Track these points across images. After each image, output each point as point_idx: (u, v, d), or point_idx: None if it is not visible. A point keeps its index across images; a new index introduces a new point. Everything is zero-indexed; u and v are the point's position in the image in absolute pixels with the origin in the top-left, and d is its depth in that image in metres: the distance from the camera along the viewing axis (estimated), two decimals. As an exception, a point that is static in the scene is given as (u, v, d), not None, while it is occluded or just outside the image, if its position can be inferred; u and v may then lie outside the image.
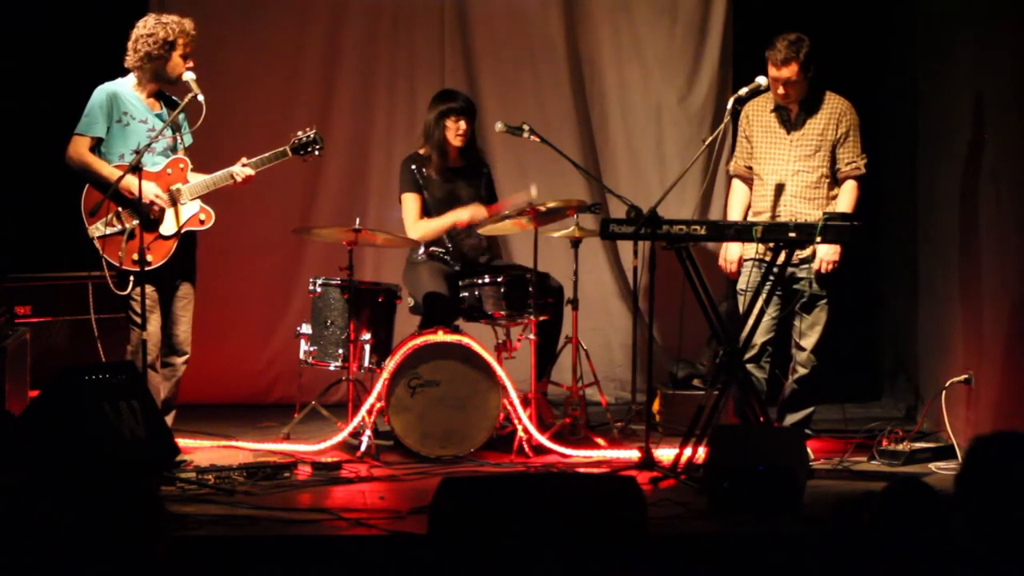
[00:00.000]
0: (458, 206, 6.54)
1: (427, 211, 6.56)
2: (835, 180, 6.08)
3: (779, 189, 6.06)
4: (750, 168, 6.18)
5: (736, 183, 6.27)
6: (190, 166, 5.99)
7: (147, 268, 5.81)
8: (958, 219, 6.25)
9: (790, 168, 6.05)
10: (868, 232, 5.70)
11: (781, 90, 5.98)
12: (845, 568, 4.16)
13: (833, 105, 6.08)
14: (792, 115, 6.08)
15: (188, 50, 5.89)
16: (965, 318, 6.17)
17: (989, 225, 5.90)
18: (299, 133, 6.18)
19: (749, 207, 6.20)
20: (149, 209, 5.82)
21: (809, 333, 6.06)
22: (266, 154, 6.07)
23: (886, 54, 7.70)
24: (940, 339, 6.62)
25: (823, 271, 5.97)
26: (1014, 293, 5.55)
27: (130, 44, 5.90)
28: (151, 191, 5.82)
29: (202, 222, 6.00)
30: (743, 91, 5.99)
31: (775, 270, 5.78)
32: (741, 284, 6.11)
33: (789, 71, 5.93)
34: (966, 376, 6.04)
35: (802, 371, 6.09)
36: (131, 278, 5.80)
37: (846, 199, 6.04)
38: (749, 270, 6.06)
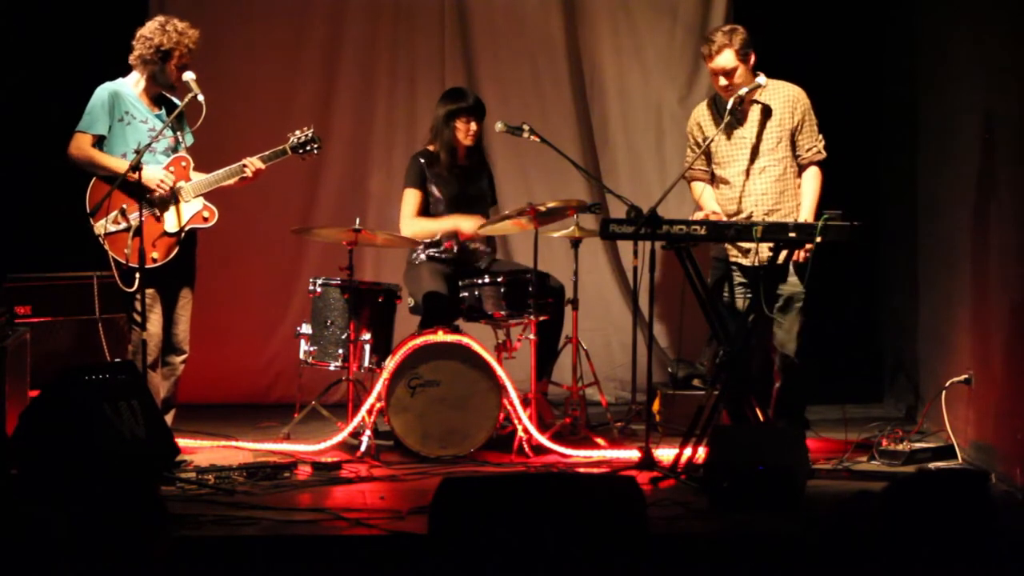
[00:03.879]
0: (467, 202, 6.56)
1: (432, 209, 6.58)
2: (799, 167, 6.08)
3: (748, 189, 6.06)
4: (706, 170, 6.17)
5: (701, 186, 6.22)
6: (192, 164, 5.99)
7: (151, 265, 5.81)
8: (958, 219, 6.25)
9: (756, 165, 6.05)
10: (868, 232, 5.69)
11: (723, 81, 5.99)
12: (845, 568, 4.17)
13: (785, 93, 6.08)
14: (746, 112, 6.08)
15: (185, 61, 5.89)
16: (965, 318, 6.17)
17: (989, 224, 5.89)
18: (296, 132, 6.19)
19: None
20: (154, 195, 5.83)
21: (787, 340, 6.05)
22: (266, 153, 6.08)
23: (886, 54, 7.69)
24: (940, 339, 6.62)
25: (800, 260, 5.95)
26: (1015, 293, 5.55)
27: (133, 41, 5.92)
28: (157, 176, 5.83)
29: (206, 219, 6.01)
30: (743, 91, 5.99)
31: (770, 269, 5.78)
32: (712, 282, 6.14)
33: (724, 60, 5.95)
34: (966, 376, 6.04)
35: (785, 377, 6.09)
36: (137, 275, 5.81)
37: (811, 188, 6.03)
38: (719, 271, 6.08)
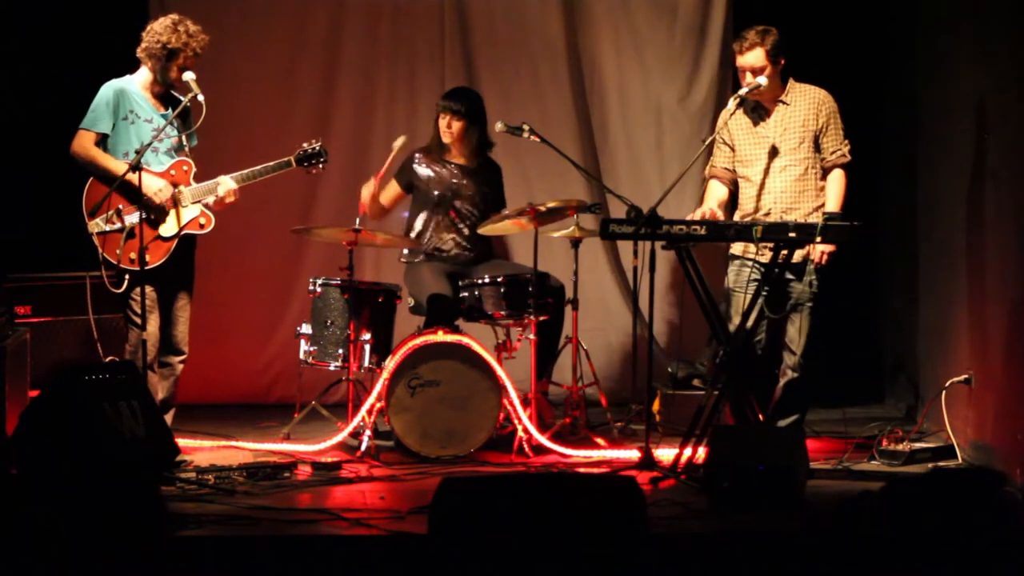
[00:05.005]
0: (456, 198, 6.61)
1: (420, 201, 6.65)
2: (823, 170, 6.09)
3: (768, 187, 6.06)
4: (728, 170, 6.18)
5: (712, 183, 6.23)
6: (194, 169, 5.99)
7: (144, 268, 5.81)
8: (958, 219, 6.25)
9: (776, 164, 6.05)
10: (868, 232, 5.69)
11: (749, 78, 6.00)
12: (845, 568, 4.17)
13: (811, 96, 6.08)
14: (770, 112, 6.09)
15: (189, 64, 5.89)
16: (965, 318, 6.17)
17: (989, 225, 5.90)
18: (304, 145, 6.20)
19: (724, 204, 6.17)
20: (151, 203, 5.82)
21: (798, 337, 6.05)
22: (269, 164, 6.08)
23: (886, 54, 7.70)
24: (940, 339, 6.62)
25: (821, 263, 5.97)
26: (1014, 293, 5.55)
27: (143, 33, 5.91)
28: (155, 186, 5.82)
29: (202, 226, 6.00)
30: (743, 91, 5.99)
31: (775, 270, 5.78)
32: (728, 283, 6.14)
33: (754, 58, 5.96)
34: (966, 376, 6.04)
35: (792, 375, 6.09)
36: (127, 277, 5.81)
37: (835, 189, 6.04)
38: (738, 269, 6.08)
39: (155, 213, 5.88)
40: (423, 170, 6.62)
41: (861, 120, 7.15)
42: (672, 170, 7.63)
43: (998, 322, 5.76)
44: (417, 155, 6.65)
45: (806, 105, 6.06)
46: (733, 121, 6.10)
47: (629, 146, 7.92)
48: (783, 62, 6.03)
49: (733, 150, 6.15)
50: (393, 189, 6.70)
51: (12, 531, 4.30)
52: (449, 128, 6.56)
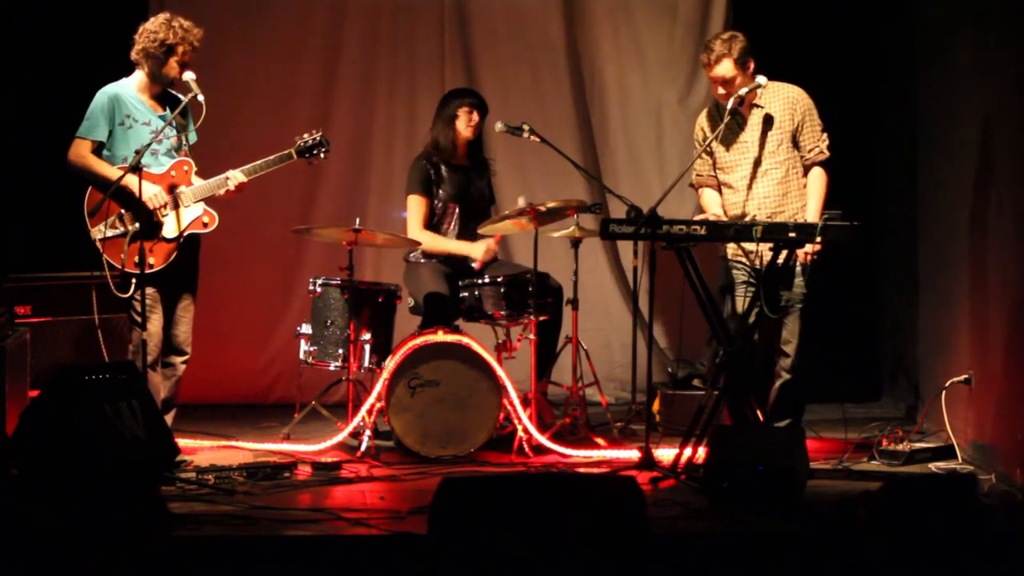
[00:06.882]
0: (469, 200, 6.59)
1: (434, 210, 6.59)
2: (804, 168, 6.08)
3: (752, 193, 6.05)
4: (714, 176, 6.18)
5: (706, 191, 6.23)
6: (195, 168, 5.98)
7: (148, 271, 5.81)
8: (958, 219, 6.25)
9: (759, 169, 6.05)
10: (868, 232, 5.69)
11: (721, 90, 5.99)
12: (845, 568, 4.17)
13: (784, 95, 6.07)
14: (747, 116, 6.08)
15: (187, 59, 5.88)
16: (965, 318, 6.17)
17: (989, 225, 5.90)
18: (305, 136, 6.17)
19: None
20: (152, 210, 5.82)
21: (791, 339, 6.05)
22: (271, 157, 6.07)
23: (886, 54, 7.70)
24: (940, 339, 6.62)
25: (807, 263, 5.96)
26: (1015, 293, 5.55)
27: (136, 36, 5.91)
28: (149, 191, 5.81)
29: (205, 225, 5.99)
30: (743, 91, 5.99)
31: (772, 271, 5.78)
32: (720, 284, 6.14)
33: (724, 69, 5.95)
34: (966, 376, 6.04)
35: (786, 377, 6.09)
36: (133, 280, 5.80)
37: (816, 189, 6.03)
38: (728, 271, 6.09)
39: (150, 220, 5.85)
40: (436, 175, 6.59)
41: (861, 120, 7.17)
42: (672, 170, 7.64)
43: (998, 322, 5.76)
44: (424, 162, 6.61)
45: (781, 105, 6.05)
46: (711, 127, 6.11)
47: (629, 146, 7.93)
48: (752, 65, 6.01)
49: (712, 159, 6.15)
50: (423, 204, 6.60)
51: (12, 531, 4.30)
52: (474, 123, 6.55)
